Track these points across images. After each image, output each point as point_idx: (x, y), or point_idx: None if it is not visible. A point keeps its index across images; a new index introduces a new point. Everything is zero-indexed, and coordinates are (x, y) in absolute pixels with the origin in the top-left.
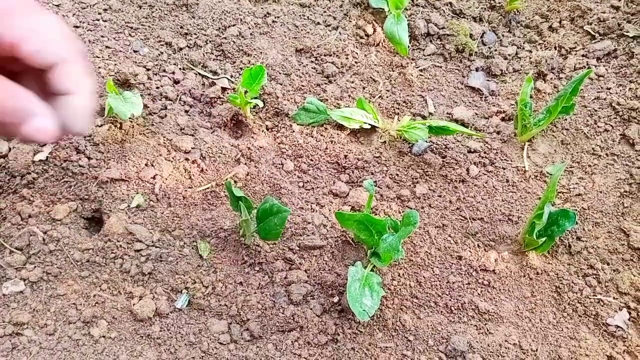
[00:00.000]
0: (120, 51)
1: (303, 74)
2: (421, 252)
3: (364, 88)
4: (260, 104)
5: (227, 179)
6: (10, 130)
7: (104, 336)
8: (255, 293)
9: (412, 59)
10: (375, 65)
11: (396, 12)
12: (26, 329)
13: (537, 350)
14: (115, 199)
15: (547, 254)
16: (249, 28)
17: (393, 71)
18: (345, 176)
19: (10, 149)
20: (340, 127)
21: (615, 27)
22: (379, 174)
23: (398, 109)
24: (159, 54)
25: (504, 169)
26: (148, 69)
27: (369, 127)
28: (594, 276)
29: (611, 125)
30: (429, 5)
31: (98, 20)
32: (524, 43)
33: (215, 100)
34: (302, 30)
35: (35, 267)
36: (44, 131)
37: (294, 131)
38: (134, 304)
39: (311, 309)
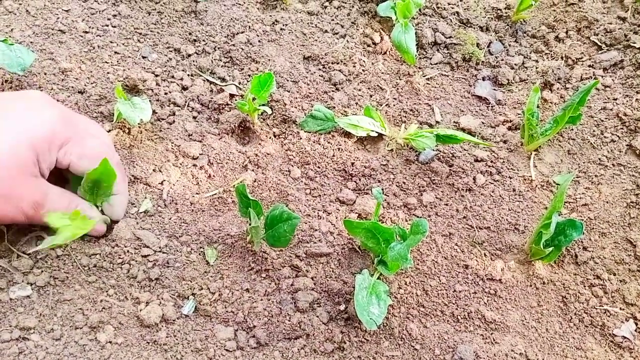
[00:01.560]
0: (129, 57)
1: (311, 82)
2: (428, 260)
3: (371, 96)
4: (268, 111)
5: (237, 184)
6: None
7: (110, 342)
8: (261, 300)
9: (419, 68)
10: (382, 73)
11: (404, 20)
12: (33, 333)
13: None
14: None
15: (554, 264)
16: (257, 35)
17: (400, 79)
18: (352, 184)
19: None
20: (348, 135)
21: (621, 38)
22: (385, 181)
23: (405, 117)
24: (168, 60)
25: (511, 178)
26: (157, 75)
27: (376, 135)
28: (601, 286)
29: (617, 136)
30: (436, 14)
31: (107, 25)
32: (530, 53)
33: (223, 106)
34: (309, 38)
35: (42, 271)
36: (99, 230)
37: (301, 138)
38: (140, 310)
39: (317, 316)
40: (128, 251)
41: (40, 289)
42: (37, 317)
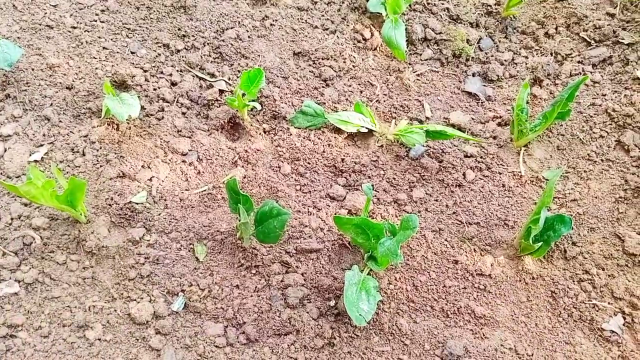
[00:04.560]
0: (117, 52)
1: (301, 78)
2: (418, 256)
3: (361, 92)
4: (258, 107)
5: (228, 179)
6: None
7: (99, 339)
8: (251, 296)
9: (410, 64)
10: (372, 69)
11: (394, 16)
12: (20, 331)
13: (532, 354)
14: None
15: (543, 259)
16: (247, 31)
17: (390, 75)
18: (342, 179)
19: (5, 149)
20: (338, 131)
21: (610, 34)
22: (375, 177)
23: (395, 113)
24: (157, 56)
25: (500, 173)
26: (145, 71)
27: (366, 130)
28: (589, 281)
29: (606, 132)
30: (426, 10)
31: (95, 21)
32: (520, 49)
33: (213, 102)
34: (300, 33)
35: (30, 268)
36: None
37: (291, 134)
38: (131, 307)
39: (308, 312)
40: (117, 247)
41: (28, 286)
42: (25, 315)
